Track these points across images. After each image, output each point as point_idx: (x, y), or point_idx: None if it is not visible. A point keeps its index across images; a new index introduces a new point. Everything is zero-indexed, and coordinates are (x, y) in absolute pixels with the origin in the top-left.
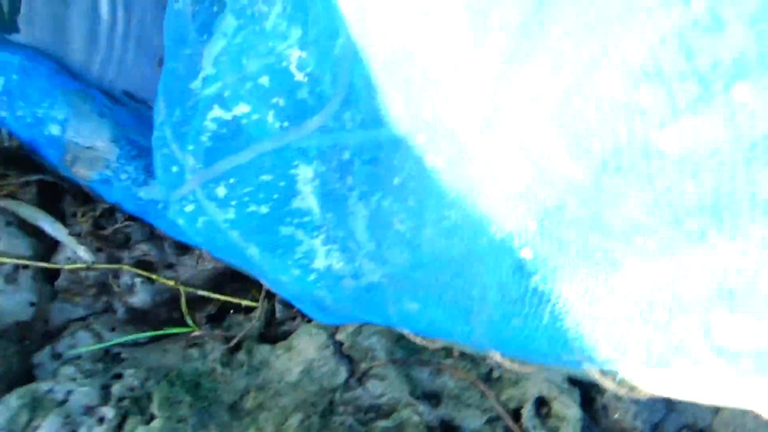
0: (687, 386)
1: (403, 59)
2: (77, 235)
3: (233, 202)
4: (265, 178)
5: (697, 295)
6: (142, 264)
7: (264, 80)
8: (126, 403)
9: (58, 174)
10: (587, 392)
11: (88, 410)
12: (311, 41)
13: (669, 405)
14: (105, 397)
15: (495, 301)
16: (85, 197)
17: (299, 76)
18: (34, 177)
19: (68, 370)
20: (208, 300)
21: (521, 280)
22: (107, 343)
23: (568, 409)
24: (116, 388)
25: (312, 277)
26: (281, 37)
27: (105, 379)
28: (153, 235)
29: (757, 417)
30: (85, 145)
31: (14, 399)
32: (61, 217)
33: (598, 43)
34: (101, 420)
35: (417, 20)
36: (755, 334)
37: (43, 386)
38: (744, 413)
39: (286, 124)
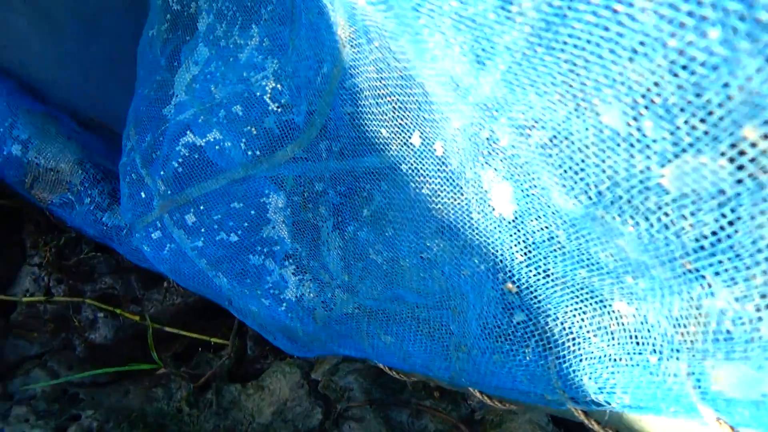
0: None
1: (398, 83)
2: (37, 266)
3: (202, 230)
4: (236, 206)
5: (689, 339)
6: (105, 298)
7: (237, 109)
8: None
9: (19, 200)
10: None
11: None
12: (288, 73)
13: None
14: None
15: (475, 336)
16: (48, 226)
17: (273, 107)
18: None
19: (20, 410)
20: (175, 337)
21: (504, 314)
22: (61, 379)
23: None
24: (72, 430)
25: (283, 307)
26: (256, 68)
27: (60, 420)
28: (119, 268)
29: None
30: (47, 166)
31: None
32: (21, 245)
33: (601, 71)
34: None
35: (418, 41)
36: (754, 383)
37: None
38: None
39: (258, 152)
